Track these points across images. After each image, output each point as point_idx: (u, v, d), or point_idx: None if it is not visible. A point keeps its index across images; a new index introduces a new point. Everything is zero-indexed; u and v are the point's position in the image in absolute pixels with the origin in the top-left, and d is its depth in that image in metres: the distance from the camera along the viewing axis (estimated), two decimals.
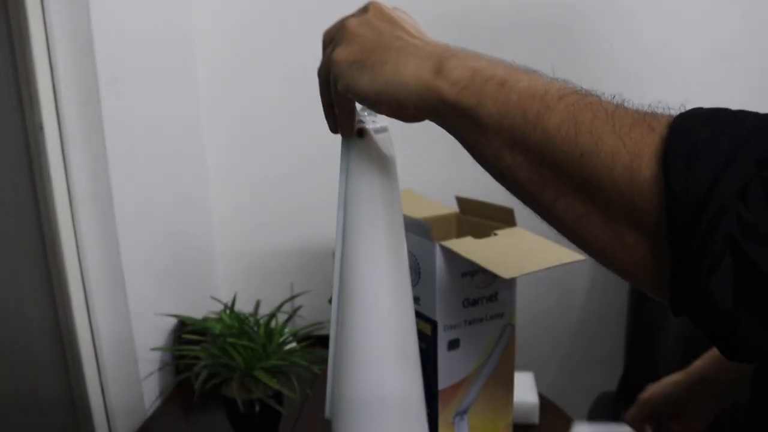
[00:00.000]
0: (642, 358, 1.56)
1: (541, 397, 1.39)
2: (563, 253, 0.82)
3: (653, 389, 1.09)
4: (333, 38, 0.59)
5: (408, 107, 0.53)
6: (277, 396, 1.23)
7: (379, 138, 0.65)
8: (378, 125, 0.65)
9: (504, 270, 0.77)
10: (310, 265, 1.81)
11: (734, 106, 0.42)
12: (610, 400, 1.57)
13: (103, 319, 1.31)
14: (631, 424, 1.13)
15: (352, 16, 0.58)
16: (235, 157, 1.78)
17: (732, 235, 0.36)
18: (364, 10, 0.58)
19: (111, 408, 1.34)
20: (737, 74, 1.59)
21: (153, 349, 1.41)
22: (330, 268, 1.54)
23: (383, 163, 0.65)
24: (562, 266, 1.74)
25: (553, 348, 1.83)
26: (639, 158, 0.40)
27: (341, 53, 0.56)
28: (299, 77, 1.69)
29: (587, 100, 0.44)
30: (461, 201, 0.99)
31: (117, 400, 1.35)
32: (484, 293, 0.91)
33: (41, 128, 1.19)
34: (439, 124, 0.53)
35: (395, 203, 0.65)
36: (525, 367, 1.52)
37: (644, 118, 0.42)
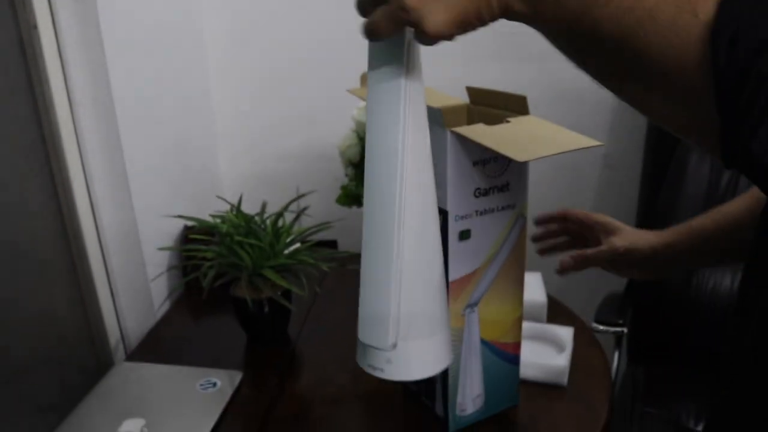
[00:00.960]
0: None
1: (548, 297, 1.40)
2: (579, 139, 0.80)
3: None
4: None
5: (485, 22, 0.55)
6: (286, 294, 1.23)
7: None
8: None
9: (517, 154, 0.75)
10: (314, 167, 1.79)
11: None
12: (618, 300, 1.58)
13: (109, 223, 1.31)
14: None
15: None
16: (238, 59, 1.74)
17: None
18: None
19: (121, 311, 1.35)
20: None
21: (160, 249, 1.41)
22: (334, 169, 1.54)
23: (417, 59, 0.62)
24: (575, 160, 1.72)
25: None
26: (687, 45, 0.45)
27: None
28: None
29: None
30: (472, 91, 0.96)
31: (126, 303, 1.35)
32: (495, 183, 0.88)
33: (35, 27, 1.15)
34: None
35: (422, 101, 0.63)
36: (533, 267, 1.52)
37: (687, 4, 0.45)
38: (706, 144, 0.50)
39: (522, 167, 0.92)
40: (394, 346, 0.63)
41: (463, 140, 0.82)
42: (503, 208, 0.92)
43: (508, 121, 0.86)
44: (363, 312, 0.64)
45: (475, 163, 0.86)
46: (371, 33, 0.58)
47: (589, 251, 1.03)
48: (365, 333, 0.64)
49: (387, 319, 0.62)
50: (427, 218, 0.64)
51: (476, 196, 0.88)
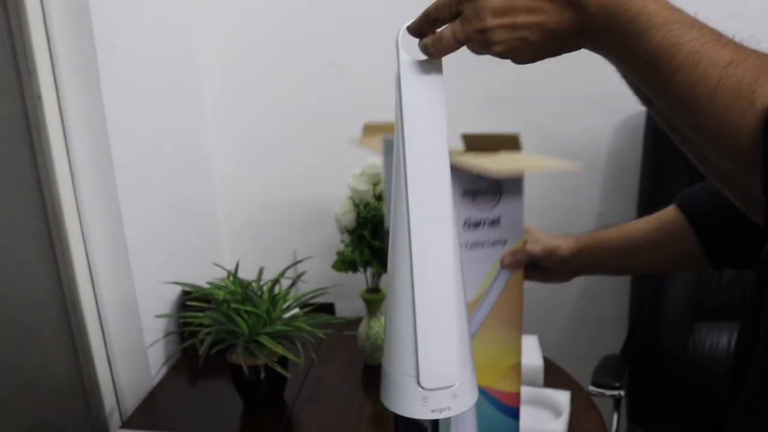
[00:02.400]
0: (646, 320, 1.56)
1: (545, 359, 1.40)
2: (565, 164, 0.79)
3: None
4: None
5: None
6: (282, 361, 1.24)
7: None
8: None
9: (498, 171, 0.73)
10: (312, 232, 1.80)
11: None
12: (614, 362, 1.58)
13: (107, 289, 1.31)
14: None
15: None
16: (237, 124, 1.77)
17: None
18: None
19: (117, 377, 1.34)
20: (754, 40, 1.57)
21: (157, 316, 1.41)
22: (331, 235, 1.55)
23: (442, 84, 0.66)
24: (571, 221, 1.73)
25: (557, 310, 1.83)
26: (741, 129, 0.49)
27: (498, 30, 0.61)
28: (301, 40, 1.68)
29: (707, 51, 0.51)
30: (467, 138, 0.94)
31: (123, 369, 1.35)
32: (486, 216, 0.86)
33: (39, 98, 1.18)
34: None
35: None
36: (529, 330, 1.52)
37: (748, 86, 0.48)
38: (740, 200, 0.55)
39: (516, 203, 0.89)
40: (458, 378, 0.64)
41: (452, 168, 0.81)
42: (494, 243, 0.89)
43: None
44: (424, 358, 0.64)
45: (464, 194, 0.84)
46: (437, 49, 0.64)
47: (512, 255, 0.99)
48: (429, 378, 0.64)
49: (453, 354, 0.64)
50: (456, 248, 0.66)
51: (465, 229, 0.85)
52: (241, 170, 1.81)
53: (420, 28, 0.66)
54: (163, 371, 1.47)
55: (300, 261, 1.42)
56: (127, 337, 1.37)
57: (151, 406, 1.37)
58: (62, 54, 1.20)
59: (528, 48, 0.61)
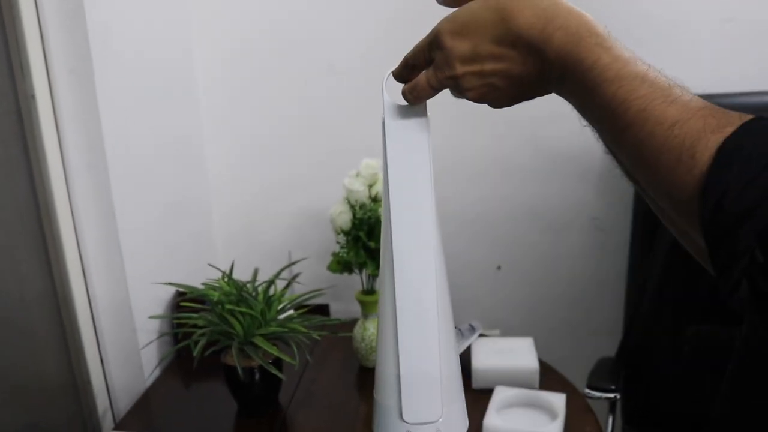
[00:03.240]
0: (641, 323, 1.56)
1: (540, 362, 1.39)
2: None
3: None
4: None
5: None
6: (277, 363, 1.23)
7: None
8: None
9: None
10: (307, 233, 1.80)
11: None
12: (609, 365, 1.58)
13: (100, 290, 1.31)
14: None
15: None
16: (232, 125, 1.76)
17: (746, 271, 0.46)
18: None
19: (110, 378, 1.34)
20: (749, 44, 1.57)
21: (151, 317, 1.40)
22: (326, 236, 1.55)
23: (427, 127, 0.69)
24: (564, 222, 1.71)
25: (552, 313, 1.83)
26: (685, 185, 0.50)
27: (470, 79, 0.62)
28: (297, 41, 1.68)
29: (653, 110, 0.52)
30: None
31: (116, 370, 1.35)
32: None
33: (33, 97, 1.18)
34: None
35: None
36: (525, 333, 1.52)
37: (688, 151, 0.50)
38: (697, 255, 0.56)
39: None
40: (442, 414, 0.65)
41: None
42: None
43: None
44: (407, 391, 0.65)
45: None
46: (414, 95, 0.66)
47: None
48: (412, 414, 0.65)
49: (437, 390, 0.65)
50: (441, 275, 0.67)
51: None
52: (236, 171, 1.80)
53: (401, 74, 0.69)
54: (157, 372, 1.46)
55: (295, 262, 1.41)
56: (121, 338, 1.36)
57: (145, 407, 1.36)
58: (56, 53, 1.19)
59: (497, 93, 0.62)
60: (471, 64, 0.61)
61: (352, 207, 1.37)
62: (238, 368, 1.16)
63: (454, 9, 0.63)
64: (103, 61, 1.25)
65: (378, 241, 1.35)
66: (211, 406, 1.33)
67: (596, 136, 0.63)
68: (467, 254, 1.79)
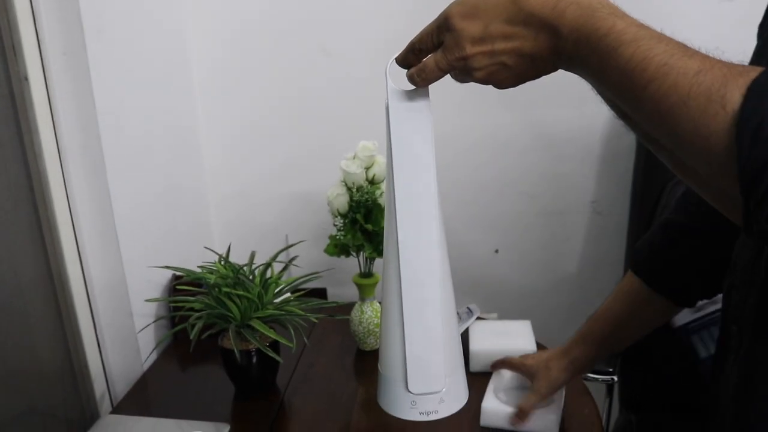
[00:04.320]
0: None
1: (538, 345, 1.39)
2: None
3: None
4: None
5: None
6: (274, 345, 1.23)
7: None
8: None
9: None
10: (304, 217, 1.79)
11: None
12: None
13: (96, 272, 1.30)
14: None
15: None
16: (227, 107, 1.75)
17: None
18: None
19: (107, 362, 1.33)
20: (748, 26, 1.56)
21: (147, 300, 1.40)
22: (323, 219, 1.54)
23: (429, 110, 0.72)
24: (563, 206, 1.72)
25: (550, 296, 1.83)
26: (715, 132, 0.51)
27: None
28: (291, 22, 1.67)
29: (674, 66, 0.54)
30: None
31: (113, 354, 1.34)
32: None
33: (26, 79, 1.17)
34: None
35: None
36: (523, 316, 1.52)
37: (718, 92, 0.51)
38: (719, 203, 0.58)
39: None
40: (445, 384, 0.70)
41: None
42: None
43: None
44: (412, 365, 0.69)
45: None
46: (422, 78, 0.68)
47: (526, 405, 1.12)
48: (417, 384, 0.70)
49: (441, 363, 0.70)
50: (443, 254, 0.71)
51: None
52: (233, 153, 1.79)
53: (406, 59, 0.71)
54: (154, 356, 1.46)
55: (292, 245, 1.41)
56: (117, 322, 1.35)
57: (142, 391, 1.36)
58: (49, 35, 1.18)
59: (507, 72, 0.64)
60: (482, 45, 0.63)
61: (349, 189, 1.36)
62: (236, 351, 1.16)
63: None
64: (97, 44, 1.24)
65: (375, 224, 1.35)
66: (209, 390, 1.33)
67: (610, 106, 0.65)
68: (465, 238, 1.78)
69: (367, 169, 1.37)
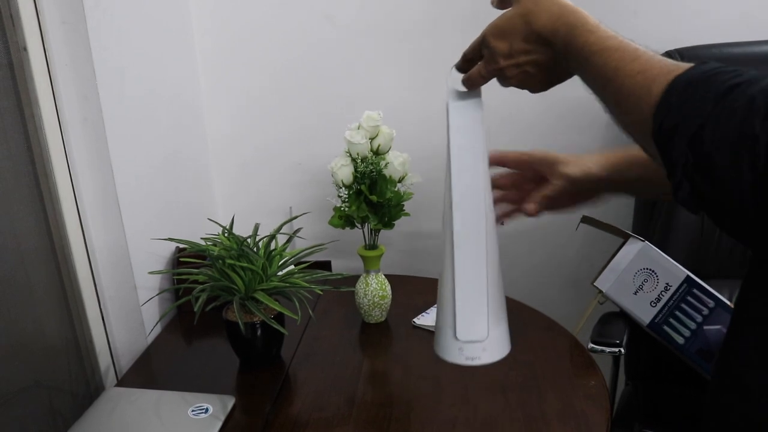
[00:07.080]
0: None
1: (547, 318, 1.39)
2: None
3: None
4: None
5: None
6: (279, 317, 1.22)
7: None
8: None
9: None
10: (308, 188, 1.78)
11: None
12: (614, 320, 1.57)
13: (99, 246, 1.29)
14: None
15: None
16: (230, 78, 1.73)
17: (686, 172, 0.60)
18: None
19: (112, 335, 1.33)
20: None
21: (151, 273, 1.39)
22: (327, 191, 1.53)
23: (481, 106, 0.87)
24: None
25: (557, 269, 1.83)
26: (644, 113, 0.64)
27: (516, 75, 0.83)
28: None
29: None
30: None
31: (117, 327, 1.34)
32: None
33: (25, 50, 1.15)
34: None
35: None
36: (530, 291, 1.51)
37: (648, 88, 0.64)
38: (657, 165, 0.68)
39: None
40: (488, 335, 0.79)
41: None
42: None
43: None
44: (461, 313, 0.79)
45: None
46: (471, 83, 0.86)
47: (548, 190, 0.97)
48: (464, 331, 0.79)
49: (485, 314, 0.79)
50: (491, 223, 0.82)
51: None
52: (235, 125, 1.77)
53: (462, 67, 0.88)
54: (158, 329, 1.45)
55: (296, 217, 1.39)
56: (121, 294, 1.35)
57: (147, 364, 1.36)
58: (47, 4, 1.16)
59: (532, 79, 0.82)
60: (509, 59, 0.80)
61: (354, 160, 1.34)
62: (240, 323, 1.15)
63: (504, 10, 0.81)
64: (97, 12, 1.22)
65: (380, 195, 1.33)
66: (213, 362, 1.32)
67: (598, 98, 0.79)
68: None
69: (372, 139, 1.36)
